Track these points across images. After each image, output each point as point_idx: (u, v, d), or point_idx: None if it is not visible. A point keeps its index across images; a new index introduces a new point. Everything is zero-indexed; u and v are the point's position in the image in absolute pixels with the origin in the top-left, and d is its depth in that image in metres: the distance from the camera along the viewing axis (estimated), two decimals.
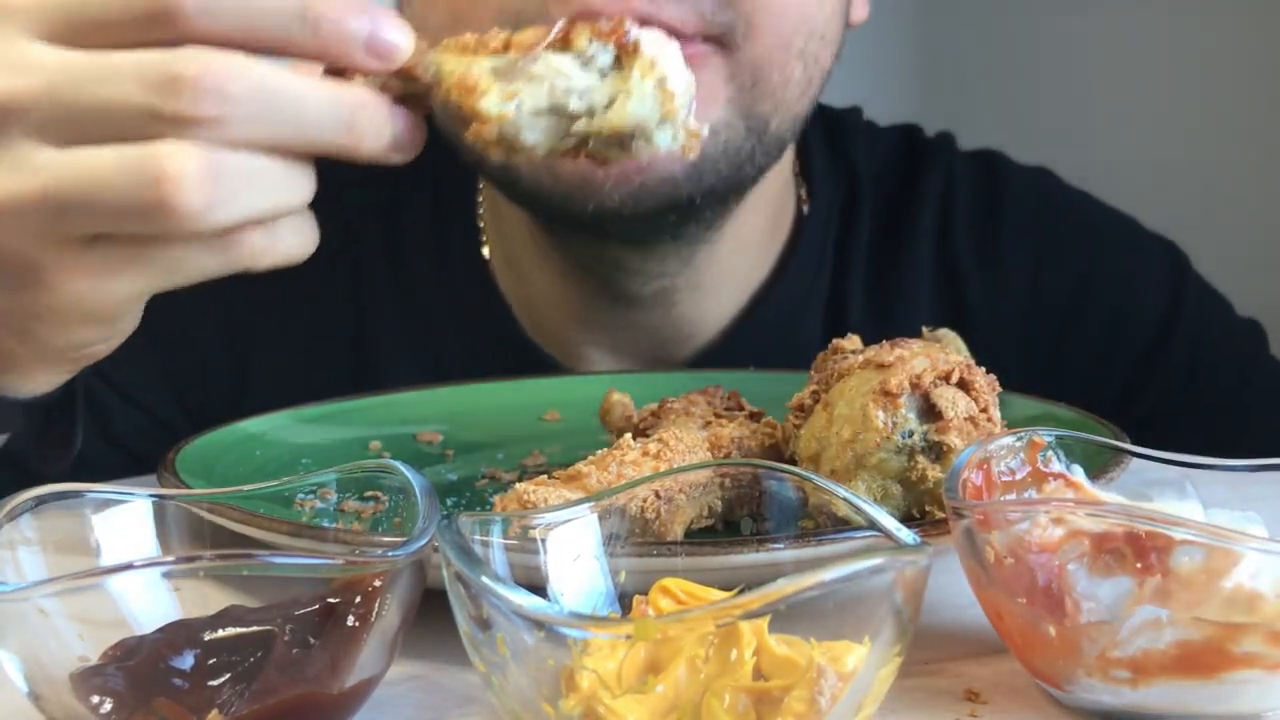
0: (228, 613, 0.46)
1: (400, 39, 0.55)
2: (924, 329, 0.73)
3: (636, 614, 0.48)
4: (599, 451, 0.62)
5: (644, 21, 0.79)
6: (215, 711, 0.43)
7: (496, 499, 0.59)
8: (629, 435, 0.64)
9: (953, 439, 0.58)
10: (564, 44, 0.55)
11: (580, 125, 0.55)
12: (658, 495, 0.56)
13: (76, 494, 0.52)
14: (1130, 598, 0.45)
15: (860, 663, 0.42)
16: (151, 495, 0.54)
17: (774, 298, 1.05)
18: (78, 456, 0.75)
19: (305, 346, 1.07)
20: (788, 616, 0.40)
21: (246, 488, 0.58)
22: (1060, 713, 0.48)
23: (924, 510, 0.59)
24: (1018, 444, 0.54)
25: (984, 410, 0.60)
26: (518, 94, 0.55)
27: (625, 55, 0.55)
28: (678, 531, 0.58)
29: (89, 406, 1.00)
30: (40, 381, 0.64)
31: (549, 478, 0.59)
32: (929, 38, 2.33)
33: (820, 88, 0.93)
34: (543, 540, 0.50)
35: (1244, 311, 1.11)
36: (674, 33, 0.80)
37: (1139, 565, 0.46)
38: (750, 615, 0.40)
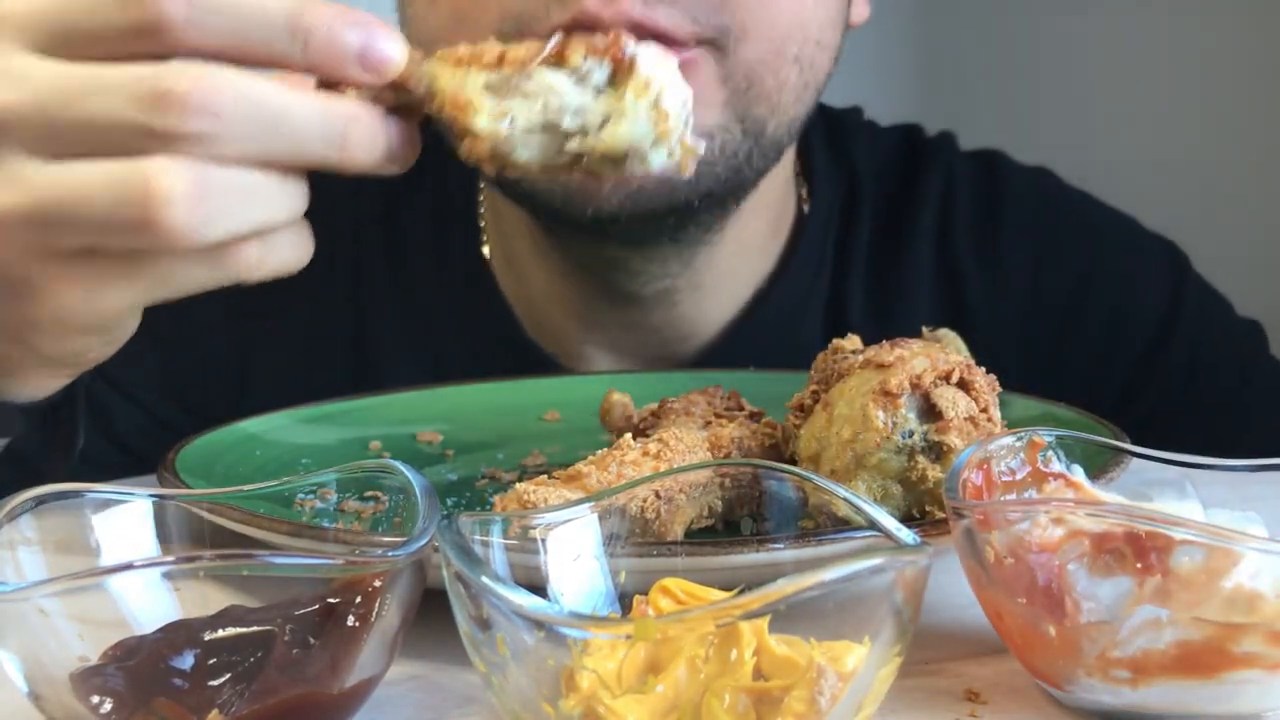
0: (228, 613, 0.46)
1: (393, 51, 0.54)
2: (924, 329, 0.73)
3: (636, 614, 0.48)
4: (599, 451, 0.62)
5: (637, 26, 0.80)
6: (215, 711, 0.43)
7: (496, 499, 0.59)
8: (629, 435, 0.64)
9: (953, 439, 0.58)
10: (559, 60, 0.54)
11: (574, 144, 0.55)
12: (658, 495, 0.56)
13: (76, 494, 0.52)
14: (1130, 598, 0.45)
15: (860, 663, 0.42)
16: (151, 495, 0.54)
17: (774, 298, 1.05)
18: (80, 455, 0.75)
19: (305, 346, 1.07)
20: (788, 616, 0.40)
21: (246, 488, 0.58)
22: (1060, 713, 0.48)
23: (924, 510, 0.59)
24: (1018, 444, 0.54)
25: (984, 410, 0.60)
26: (510, 112, 0.54)
27: (621, 72, 0.54)
28: (678, 531, 0.58)
29: (90, 405, 1.01)
30: (40, 385, 0.64)
31: (549, 478, 0.59)
32: (929, 38, 2.33)
33: (818, 92, 0.93)
34: (543, 540, 0.50)
35: (1244, 311, 1.11)
36: (667, 38, 0.81)
37: (1139, 565, 0.46)
38: (750, 615, 0.40)
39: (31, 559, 0.49)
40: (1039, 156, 1.17)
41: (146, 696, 0.43)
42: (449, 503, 0.73)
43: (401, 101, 0.56)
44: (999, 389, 0.62)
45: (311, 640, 0.45)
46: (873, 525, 0.47)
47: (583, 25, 0.80)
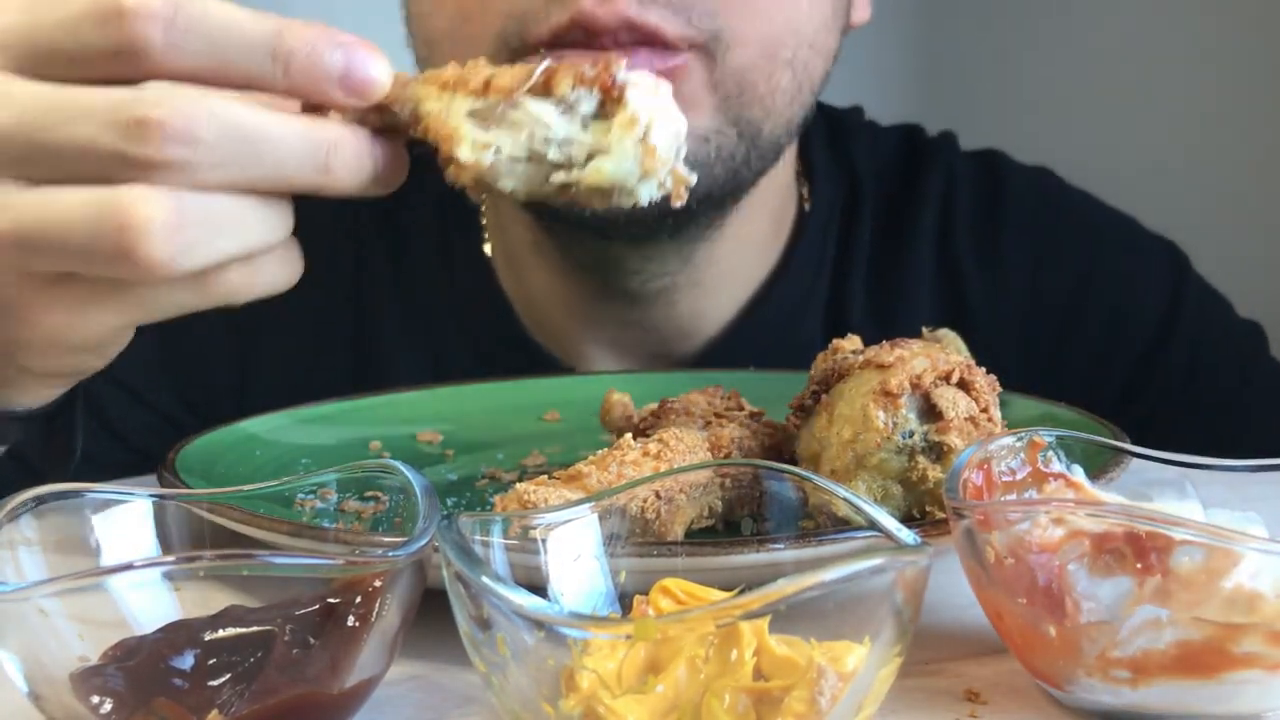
0: (228, 613, 0.46)
1: (377, 73, 0.53)
2: (924, 329, 0.73)
3: (636, 614, 0.48)
4: (599, 451, 0.62)
5: (632, 25, 0.80)
6: (215, 711, 0.43)
7: (496, 499, 0.59)
8: (629, 435, 0.64)
9: (953, 439, 0.58)
10: (546, 88, 0.53)
11: (559, 176, 0.54)
12: (658, 495, 0.56)
13: (76, 494, 0.52)
14: (1130, 598, 0.45)
15: (860, 663, 0.42)
16: (151, 495, 0.54)
17: (774, 297, 1.05)
18: (83, 453, 0.75)
19: (306, 345, 1.07)
20: (788, 616, 0.40)
21: (246, 488, 0.58)
22: (1060, 713, 0.48)
23: (924, 510, 0.59)
24: (1018, 444, 0.54)
25: (984, 410, 0.60)
26: (494, 143, 0.53)
27: (610, 102, 0.53)
28: (678, 531, 0.58)
29: (94, 402, 1.01)
30: (36, 395, 0.64)
31: (549, 478, 0.59)
32: (929, 38, 2.33)
33: (813, 94, 0.93)
34: (543, 540, 0.50)
35: (1244, 312, 1.11)
36: (659, 39, 0.81)
37: (1139, 565, 0.46)
38: (750, 615, 0.40)
39: (31, 559, 0.49)
40: (1039, 156, 1.17)
41: (146, 696, 0.43)
42: (449, 503, 0.73)
43: (387, 123, 0.55)
44: (999, 389, 0.62)
45: (311, 640, 0.45)
46: (873, 525, 0.47)
47: (581, 26, 0.80)
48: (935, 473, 0.58)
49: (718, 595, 0.47)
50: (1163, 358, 1.06)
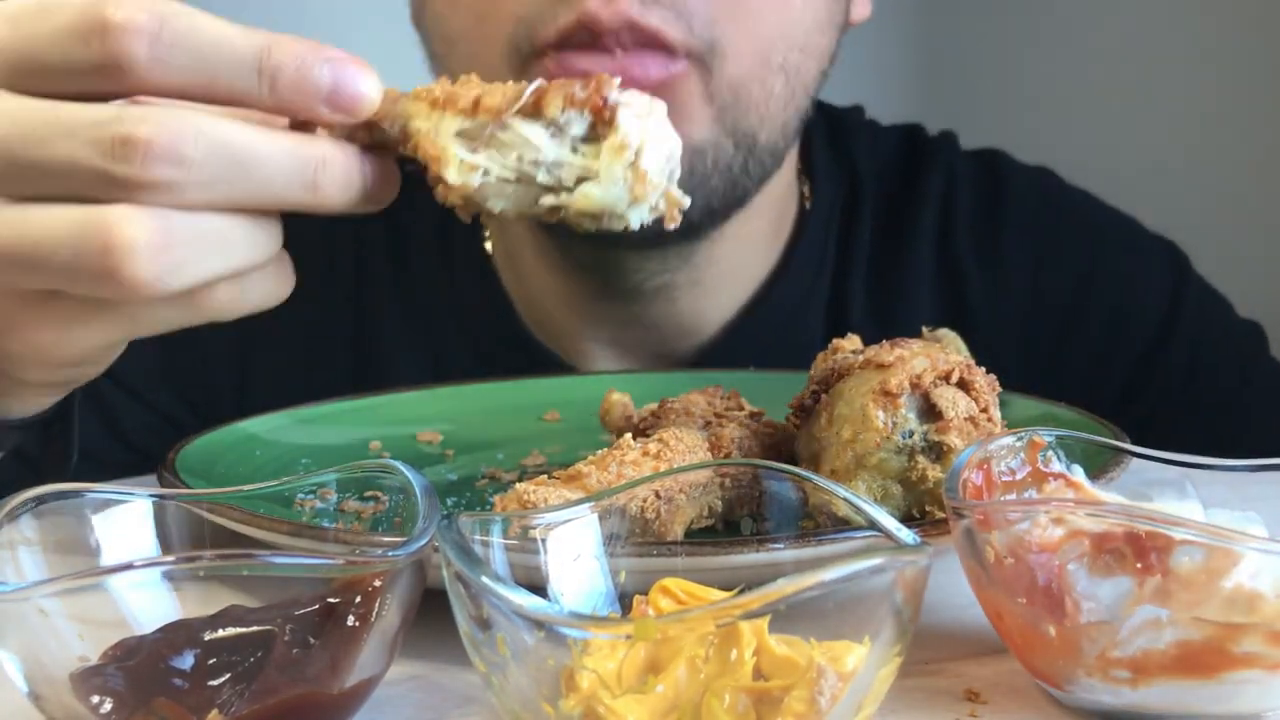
0: (228, 613, 0.46)
1: (366, 89, 0.53)
2: (924, 329, 0.74)
3: (636, 614, 0.48)
4: (599, 451, 0.62)
5: (634, 28, 0.81)
6: (215, 711, 0.43)
7: (496, 499, 0.59)
8: (629, 435, 0.64)
9: (953, 439, 0.58)
10: (536, 109, 0.52)
11: (548, 199, 0.53)
12: (658, 495, 0.56)
13: (76, 494, 0.52)
14: (1130, 598, 0.45)
15: (860, 663, 0.42)
16: (151, 495, 0.54)
17: (775, 296, 1.05)
18: (86, 453, 0.75)
19: (307, 345, 1.07)
20: (788, 616, 0.40)
21: (246, 488, 0.58)
22: (1060, 713, 0.48)
23: (924, 510, 0.59)
24: (1018, 444, 0.54)
25: (984, 410, 0.60)
26: (482, 165, 0.52)
27: (601, 124, 0.52)
28: (678, 531, 0.58)
29: (96, 402, 1.01)
30: (30, 404, 0.64)
31: (549, 478, 0.59)
32: (929, 38, 2.33)
33: (808, 97, 0.94)
34: (543, 540, 0.50)
35: (1244, 312, 1.11)
36: (660, 42, 0.82)
37: (1139, 565, 0.46)
38: (750, 615, 0.40)
39: (31, 559, 0.49)
40: (1039, 156, 1.17)
41: (146, 696, 0.43)
42: (449, 503, 0.73)
43: (376, 140, 0.54)
44: (999, 389, 0.62)
45: (311, 640, 0.45)
46: (873, 525, 0.47)
47: (586, 27, 0.81)
48: (935, 473, 0.58)
49: (718, 595, 0.47)
50: (1163, 358, 1.06)
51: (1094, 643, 0.46)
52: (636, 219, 0.54)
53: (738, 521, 0.60)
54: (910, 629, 0.42)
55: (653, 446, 0.61)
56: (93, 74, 0.50)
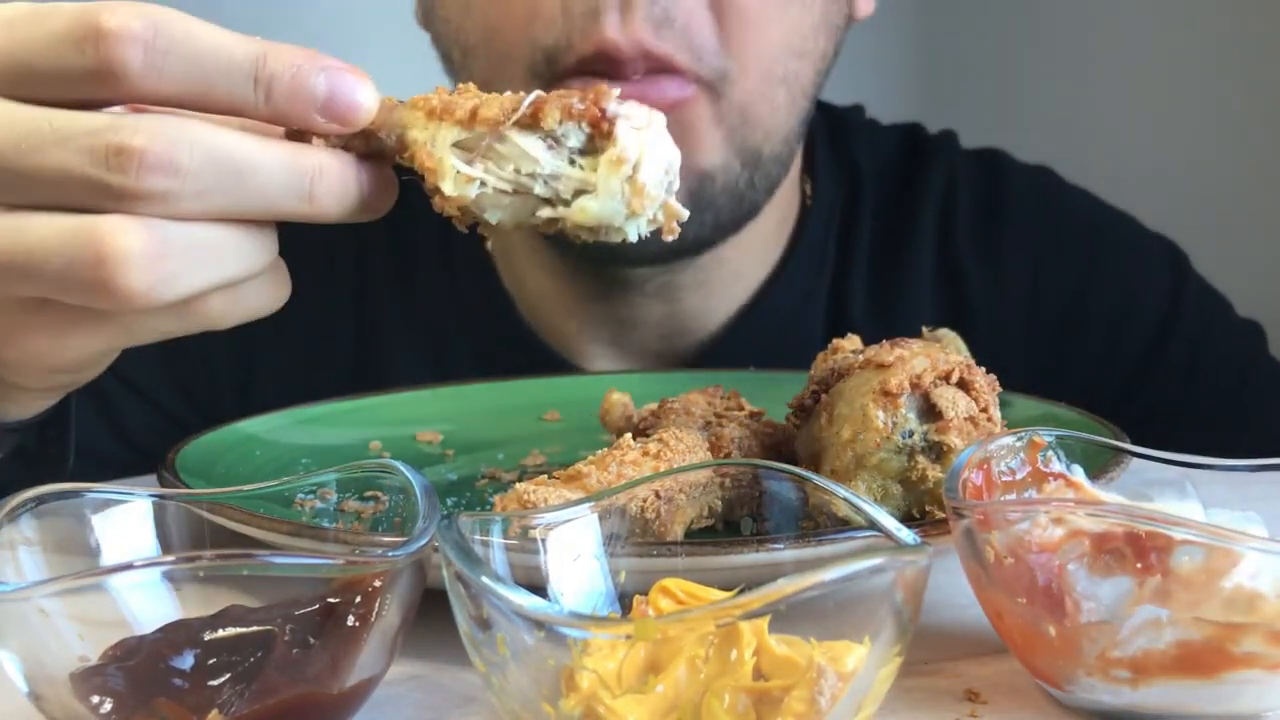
0: (228, 613, 0.46)
1: (362, 99, 0.52)
2: (924, 329, 0.74)
3: (636, 614, 0.48)
4: (599, 451, 0.62)
5: (649, 55, 0.81)
6: (215, 711, 0.43)
7: (496, 499, 0.59)
8: (629, 435, 0.64)
9: (953, 439, 0.58)
10: (533, 120, 0.52)
11: (545, 211, 0.53)
12: (658, 495, 0.56)
13: (76, 494, 0.52)
14: (1130, 598, 0.45)
15: (860, 663, 0.42)
16: (151, 495, 0.54)
17: (776, 294, 1.05)
18: (88, 452, 0.75)
19: (309, 344, 1.07)
20: (788, 616, 0.40)
21: (246, 488, 0.58)
22: (1060, 713, 0.48)
23: (924, 510, 0.59)
24: (1018, 444, 0.54)
25: (984, 410, 0.60)
26: (479, 177, 0.52)
27: (599, 136, 0.52)
28: (678, 531, 0.58)
29: (100, 402, 1.01)
30: (25, 408, 0.63)
31: (549, 478, 0.59)
32: (929, 37, 2.33)
33: (808, 101, 0.94)
34: (543, 540, 0.50)
35: (1244, 312, 1.11)
36: (673, 68, 0.82)
37: (1139, 565, 0.46)
38: (750, 615, 0.40)
39: (31, 559, 0.49)
40: (1039, 156, 1.17)
41: (146, 696, 0.43)
42: (449, 503, 0.73)
43: (373, 149, 0.54)
44: (999, 389, 0.62)
45: (311, 640, 0.45)
46: (873, 525, 0.47)
47: (605, 56, 0.81)
48: (935, 472, 0.58)
49: (718, 595, 0.47)
50: (1163, 357, 1.06)
51: (1094, 643, 0.46)
52: (634, 232, 0.53)
53: (738, 521, 0.60)
54: (910, 629, 0.42)
55: (653, 446, 0.61)
56: (87, 81, 0.50)
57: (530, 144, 0.52)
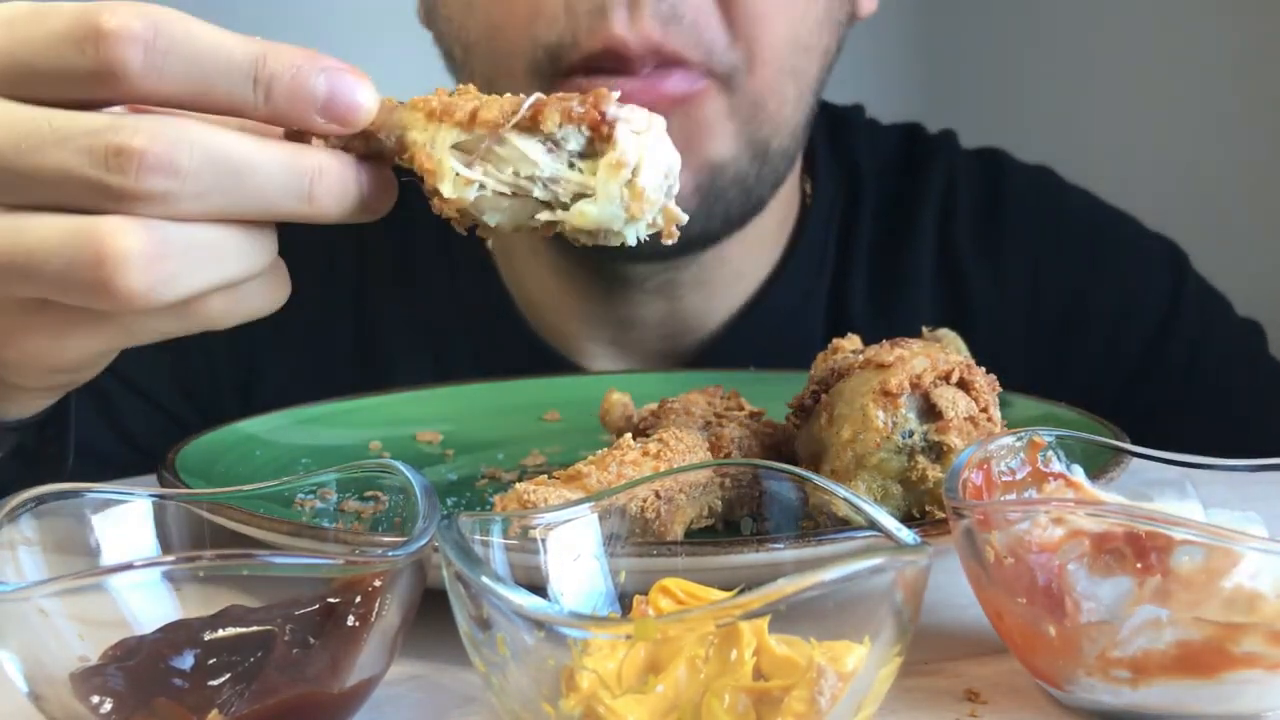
0: (228, 613, 0.46)
1: (362, 100, 0.52)
2: (924, 329, 0.74)
3: (636, 614, 0.48)
4: (599, 451, 0.62)
5: (658, 51, 0.81)
6: (215, 711, 0.43)
7: (496, 499, 0.59)
8: (629, 435, 0.64)
9: (953, 439, 0.58)
10: (533, 123, 0.52)
11: (545, 214, 0.53)
12: (658, 495, 0.56)
13: (76, 494, 0.52)
14: (1130, 598, 0.45)
15: (860, 663, 0.42)
16: (151, 495, 0.54)
17: (776, 293, 1.05)
18: (90, 452, 0.75)
19: (311, 343, 1.07)
20: (788, 616, 0.40)
21: (246, 488, 0.58)
22: (1060, 713, 0.48)
23: (924, 510, 0.59)
24: (1018, 444, 0.54)
25: (984, 410, 0.60)
26: (478, 180, 0.52)
27: (599, 140, 0.52)
28: (678, 531, 0.58)
29: (102, 402, 1.01)
30: (24, 407, 0.63)
31: (549, 478, 0.59)
32: (930, 37, 2.33)
33: (814, 95, 0.94)
34: (543, 540, 0.50)
35: (1243, 311, 1.11)
36: (682, 63, 0.82)
37: (1139, 565, 0.46)
38: (750, 615, 0.40)
39: (31, 559, 0.49)
40: (1039, 155, 1.17)
41: (146, 696, 0.43)
42: (449, 503, 0.73)
43: (372, 149, 0.54)
44: (999, 389, 0.62)
45: (311, 640, 0.45)
46: (873, 525, 0.47)
47: (613, 53, 0.81)
48: (935, 472, 0.58)
49: (718, 595, 0.47)
50: (1162, 356, 1.06)
51: (1094, 643, 0.46)
52: (633, 236, 0.53)
53: (738, 521, 0.60)
54: (910, 629, 0.42)
55: (653, 446, 0.61)
56: (87, 81, 0.50)
57: (529, 147, 0.52)
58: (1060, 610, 0.46)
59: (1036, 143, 1.32)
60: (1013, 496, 0.53)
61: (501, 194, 0.53)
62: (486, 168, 0.52)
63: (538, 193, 0.52)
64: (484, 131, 0.52)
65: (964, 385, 0.60)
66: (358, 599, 0.45)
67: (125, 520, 0.53)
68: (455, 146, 0.53)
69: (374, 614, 0.46)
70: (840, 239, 1.09)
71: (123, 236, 0.49)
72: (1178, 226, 1.14)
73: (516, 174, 0.52)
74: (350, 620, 0.45)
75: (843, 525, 0.50)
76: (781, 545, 0.52)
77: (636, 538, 0.54)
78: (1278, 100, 1.80)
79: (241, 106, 0.51)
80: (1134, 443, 0.59)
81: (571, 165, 0.52)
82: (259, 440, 0.78)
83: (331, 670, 0.45)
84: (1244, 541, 0.45)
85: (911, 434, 0.59)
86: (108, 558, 0.52)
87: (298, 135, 0.54)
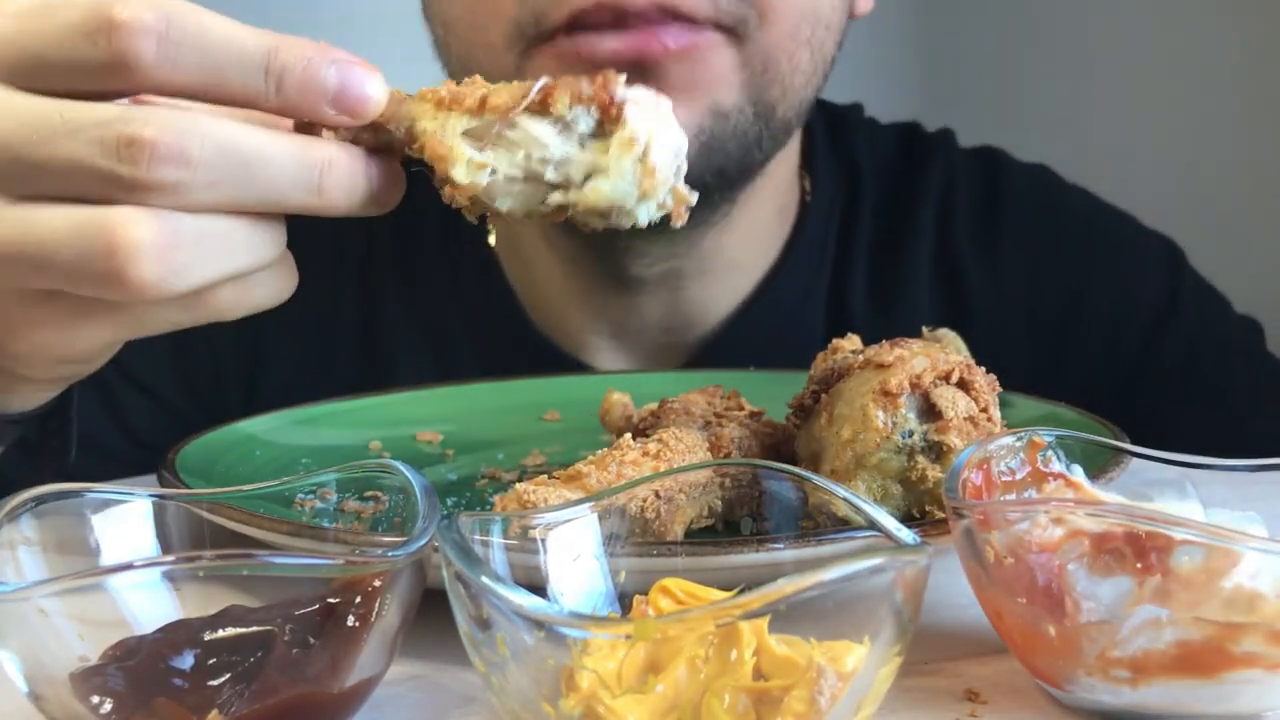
0: (228, 613, 0.46)
1: (372, 91, 0.53)
2: (924, 329, 0.74)
3: (636, 614, 0.48)
4: (599, 451, 0.62)
5: (660, 6, 0.80)
6: (215, 711, 0.43)
7: (496, 499, 0.59)
8: (629, 435, 0.64)
9: (953, 439, 0.58)
10: (543, 106, 0.52)
11: (556, 197, 0.53)
12: (658, 495, 0.56)
13: (76, 494, 0.52)
14: (1130, 598, 0.45)
15: (860, 663, 0.42)
16: (151, 495, 0.54)
17: (777, 288, 1.05)
18: (94, 447, 0.75)
19: (314, 340, 1.07)
20: (788, 616, 0.40)
21: (246, 488, 0.58)
22: (1060, 713, 0.48)
23: (924, 510, 0.59)
24: (1018, 444, 0.54)
25: (984, 410, 0.60)
26: (491, 163, 0.52)
27: (608, 121, 0.52)
28: (678, 531, 0.58)
29: (105, 398, 1.01)
30: (27, 399, 0.64)
31: (549, 478, 0.59)
32: (929, 36, 2.33)
33: (825, 74, 0.94)
34: (543, 540, 0.50)
35: (1242, 310, 1.11)
36: (687, 18, 0.82)
37: (1139, 565, 0.46)
38: (750, 615, 0.40)
39: (31, 559, 0.49)
40: (1039, 155, 1.17)
41: (146, 696, 0.43)
42: (449, 503, 0.73)
43: (382, 142, 0.54)
44: (999, 389, 0.62)
45: (311, 640, 0.45)
46: (873, 525, 0.47)
47: (608, 7, 0.80)
48: (935, 472, 0.58)
49: (718, 595, 0.47)
50: (1160, 353, 1.06)
51: (1094, 642, 0.46)
52: (644, 215, 0.54)
53: (738, 521, 0.60)
54: (910, 629, 0.42)
55: (653, 446, 0.61)
56: (99, 72, 0.50)
57: (540, 129, 0.52)
58: (1060, 610, 0.46)
59: (1036, 142, 1.32)
60: (1013, 496, 0.53)
61: (513, 178, 0.53)
62: (497, 153, 0.53)
63: (550, 174, 0.53)
64: (494, 116, 0.52)
65: (964, 385, 0.60)
66: (358, 599, 0.45)
67: (125, 520, 0.53)
68: (465, 134, 0.53)
69: (374, 614, 0.46)
70: (840, 237, 1.09)
71: (134, 227, 0.49)
72: (1178, 226, 1.14)
73: (528, 156, 0.53)
74: (350, 620, 0.45)
75: (843, 525, 0.50)
76: (781, 545, 0.52)
77: (636, 538, 0.54)
78: (1278, 100, 1.80)
79: (253, 98, 0.52)
80: (1132, 440, 0.59)
81: (582, 146, 0.53)
82: (259, 440, 0.78)
83: (331, 670, 0.45)
84: (1244, 541, 0.45)
85: (911, 434, 0.59)
86: (108, 558, 0.52)
87: (307, 128, 0.54)
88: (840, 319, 1.05)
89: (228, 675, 0.44)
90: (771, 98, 0.89)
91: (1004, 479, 0.54)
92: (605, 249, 0.98)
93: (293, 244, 0.56)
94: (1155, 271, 1.09)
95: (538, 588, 0.49)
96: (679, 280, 1.01)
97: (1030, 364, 1.03)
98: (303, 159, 0.52)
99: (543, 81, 0.52)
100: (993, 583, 0.48)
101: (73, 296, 0.53)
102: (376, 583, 0.46)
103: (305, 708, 0.44)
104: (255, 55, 0.51)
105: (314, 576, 0.47)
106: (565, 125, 0.53)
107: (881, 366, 0.61)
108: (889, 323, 0.93)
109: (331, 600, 0.46)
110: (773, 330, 1.04)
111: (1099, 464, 0.58)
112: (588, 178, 0.53)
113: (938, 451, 0.59)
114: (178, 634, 0.45)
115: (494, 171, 0.53)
